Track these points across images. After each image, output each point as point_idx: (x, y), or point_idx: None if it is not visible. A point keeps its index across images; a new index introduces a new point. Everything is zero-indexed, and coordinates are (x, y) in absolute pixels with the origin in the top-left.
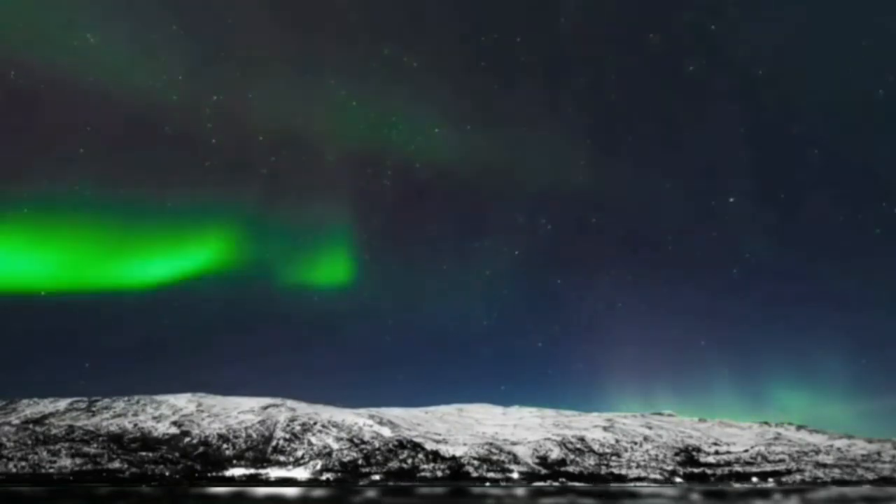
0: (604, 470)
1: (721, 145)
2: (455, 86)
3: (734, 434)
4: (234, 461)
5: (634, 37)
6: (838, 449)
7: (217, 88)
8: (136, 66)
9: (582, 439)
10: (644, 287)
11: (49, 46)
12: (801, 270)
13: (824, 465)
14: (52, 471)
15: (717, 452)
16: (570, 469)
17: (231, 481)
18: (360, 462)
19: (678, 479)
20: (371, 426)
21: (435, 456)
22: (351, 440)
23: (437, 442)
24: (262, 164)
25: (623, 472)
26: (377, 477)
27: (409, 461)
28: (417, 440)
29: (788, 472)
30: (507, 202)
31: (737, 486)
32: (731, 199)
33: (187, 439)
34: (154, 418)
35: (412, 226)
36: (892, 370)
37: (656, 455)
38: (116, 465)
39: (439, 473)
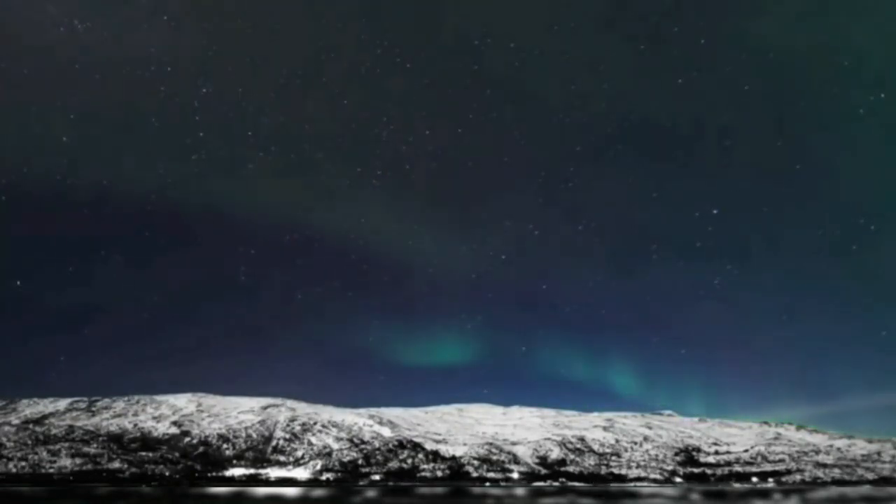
0: (604, 470)
1: (707, 157)
2: (447, 87)
3: (734, 434)
4: (234, 461)
5: (626, 46)
6: (838, 449)
7: (207, 81)
8: (124, 56)
9: (582, 439)
10: (628, 295)
11: (35, 31)
12: (783, 281)
13: (824, 465)
14: (52, 471)
15: (717, 452)
16: (570, 469)
17: (231, 481)
18: (360, 462)
19: (678, 479)
20: (371, 426)
21: (435, 456)
22: (351, 440)
23: (437, 442)
24: (251, 159)
25: (623, 472)
26: (377, 477)
27: (409, 461)
28: (417, 440)
29: (788, 472)
30: (495, 206)
31: (737, 486)
32: (715, 211)
33: (187, 439)
34: (154, 418)
35: (400, 226)
36: (864, 372)
37: (656, 455)
38: (116, 465)
39: (439, 473)
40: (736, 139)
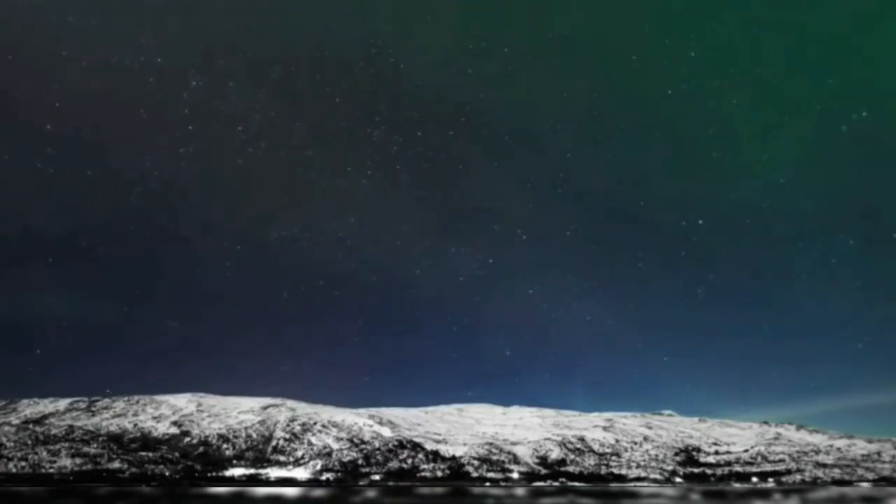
0: (604, 470)
1: (694, 168)
2: (440, 89)
3: (734, 434)
4: (234, 461)
5: (619, 57)
6: (838, 449)
7: (197, 75)
8: (113, 45)
9: (582, 439)
10: (614, 301)
11: (24, 19)
12: (765, 291)
13: (824, 465)
14: (52, 471)
15: (717, 452)
16: (570, 469)
17: (231, 481)
18: (360, 462)
19: (678, 479)
20: (371, 426)
21: (435, 456)
22: (351, 440)
23: (437, 442)
24: (240, 154)
25: (623, 472)
26: (377, 477)
27: (409, 461)
28: (417, 440)
29: (788, 472)
30: (484, 210)
31: (737, 486)
32: (701, 222)
33: (187, 439)
34: (154, 418)
35: (389, 226)
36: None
37: (656, 455)
38: (116, 465)
39: (439, 473)
40: (723, 151)
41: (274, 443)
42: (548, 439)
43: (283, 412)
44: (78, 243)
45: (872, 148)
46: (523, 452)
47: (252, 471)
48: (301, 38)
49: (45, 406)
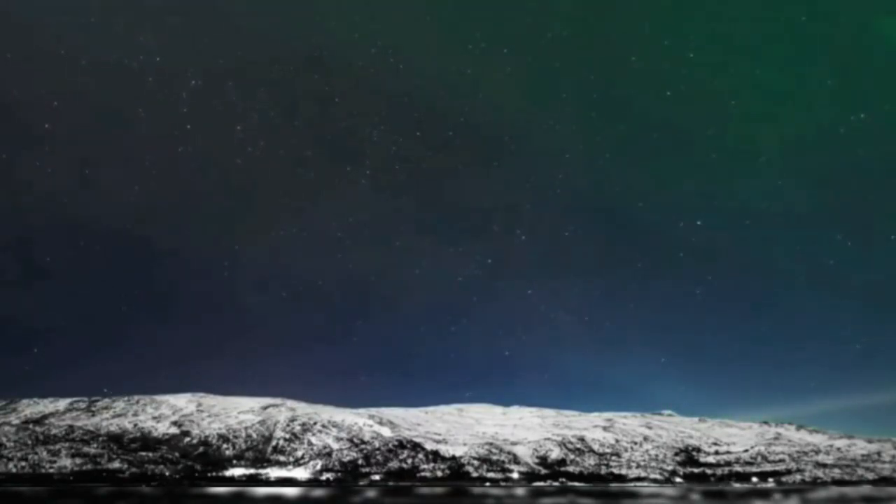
0: (604, 470)
1: (694, 168)
2: (439, 90)
3: (734, 434)
4: (234, 461)
5: (618, 58)
6: (838, 449)
7: (196, 74)
8: (112, 44)
9: (582, 439)
10: (611, 302)
11: (20, 16)
12: (764, 291)
13: (824, 465)
14: (52, 471)
15: (717, 452)
16: (570, 469)
17: (231, 481)
18: (360, 462)
19: (678, 479)
20: (371, 426)
21: (435, 456)
22: (351, 440)
23: (437, 442)
24: (239, 154)
25: (623, 472)
26: (377, 477)
27: (409, 461)
28: (417, 440)
29: (788, 472)
30: (483, 210)
31: (737, 486)
32: (699, 223)
33: (187, 439)
34: (154, 418)
35: (387, 227)
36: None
37: (656, 455)
38: (116, 465)
39: (439, 473)
40: (723, 151)
41: (274, 443)
42: (548, 439)
43: (283, 412)
44: (78, 243)
45: (870, 150)
46: (523, 452)
47: (252, 471)
48: (301, 38)
49: (45, 406)
